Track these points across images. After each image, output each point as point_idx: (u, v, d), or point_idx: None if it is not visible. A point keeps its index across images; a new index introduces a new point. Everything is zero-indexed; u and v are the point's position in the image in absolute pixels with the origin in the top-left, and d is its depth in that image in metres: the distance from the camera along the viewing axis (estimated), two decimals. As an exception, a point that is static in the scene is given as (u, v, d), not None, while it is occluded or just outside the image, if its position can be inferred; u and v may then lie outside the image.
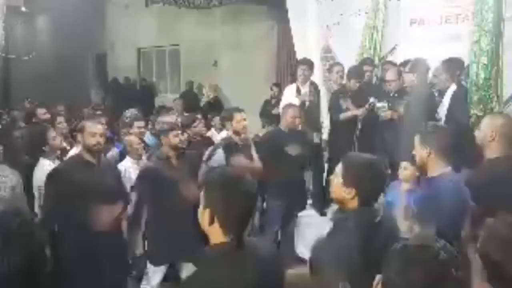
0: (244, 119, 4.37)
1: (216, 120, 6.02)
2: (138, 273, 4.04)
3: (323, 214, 5.31)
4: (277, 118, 5.76)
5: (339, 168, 2.18)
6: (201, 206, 1.76)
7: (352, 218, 2.08)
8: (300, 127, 4.99)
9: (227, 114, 4.63)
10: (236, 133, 4.36)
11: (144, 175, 3.73)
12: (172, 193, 3.51)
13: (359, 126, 5.29)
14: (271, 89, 8.28)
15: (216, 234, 1.71)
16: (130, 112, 5.94)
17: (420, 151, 2.70)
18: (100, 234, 3.23)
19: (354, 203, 2.11)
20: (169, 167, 3.70)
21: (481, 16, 4.90)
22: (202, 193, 1.76)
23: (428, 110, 4.48)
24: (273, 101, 7.96)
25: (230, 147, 4.24)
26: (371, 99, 5.11)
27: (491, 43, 4.85)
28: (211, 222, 1.70)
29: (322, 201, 5.36)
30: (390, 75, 5.05)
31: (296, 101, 5.37)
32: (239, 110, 4.48)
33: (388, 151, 4.35)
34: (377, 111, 5.01)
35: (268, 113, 7.81)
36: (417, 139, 2.75)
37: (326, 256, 1.99)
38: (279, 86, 8.26)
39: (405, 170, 3.68)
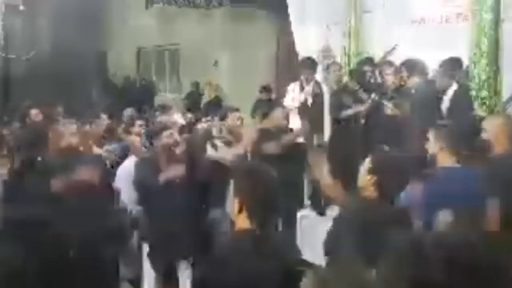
0: (239, 118, 4.34)
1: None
2: (136, 274, 4.03)
3: (322, 214, 5.29)
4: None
5: (367, 160, 2.32)
6: (231, 195, 1.88)
7: (371, 208, 2.18)
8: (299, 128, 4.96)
9: (223, 113, 4.62)
10: (230, 132, 4.31)
11: (136, 176, 3.68)
12: (166, 194, 3.48)
13: (363, 122, 5.30)
14: (260, 92, 8.33)
15: (243, 222, 1.81)
16: (129, 112, 5.94)
17: (433, 146, 2.87)
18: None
19: (374, 194, 2.21)
20: (161, 167, 3.63)
21: (480, 17, 4.91)
22: (232, 183, 1.90)
23: (432, 108, 4.47)
24: (263, 102, 7.98)
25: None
26: (373, 95, 5.12)
27: (490, 44, 4.85)
28: (240, 210, 1.80)
29: (320, 202, 5.34)
30: (387, 70, 5.12)
31: (299, 100, 5.36)
32: (234, 109, 4.47)
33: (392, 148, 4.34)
34: (381, 107, 5.02)
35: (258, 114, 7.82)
36: (431, 134, 2.91)
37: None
38: (266, 88, 8.35)
39: None
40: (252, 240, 1.77)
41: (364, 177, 2.27)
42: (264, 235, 1.80)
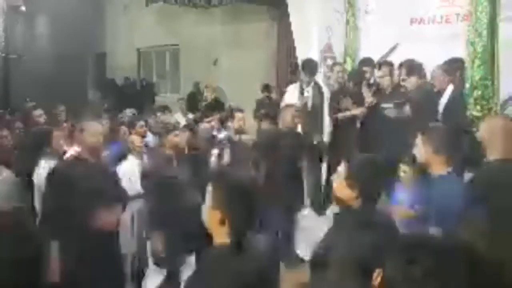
0: (243, 118, 4.40)
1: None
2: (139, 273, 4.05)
3: (321, 214, 5.31)
4: (271, 118, 5.74)
5: (341, 168, 2.20)
6: (208, 206, 1.77)
7: (355, 216, 2.11)
8: (299, 127, 4.99)
9: (228, 113, 4.69)
10: (236, 131, 4.43)
11: (146, 176, 3.72)
12: (173, 194, 3.51)
13: (358, 125, 5.30)
14: (262, 92, 8.34)
15: (221, 234, 1.73)
16: (130, 112, 5.95)
17: (423, 150, 2.75)
18: (99, 234, 3.22)
19: (357, 202, 2.13)
20: (170, 167, 3.69)
21: (476, 17, 4.92)
22: (211, 194, 1.77)
23: (431, 110, 4.48)
24: (265, 101, 8.00)
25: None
26: (370, 99, 5.13)
27: (486, 44, 4.87)
28: (222, 223, 1.71)
29: (321, 202, 5.36)
30: (381, 71, 5.10)
31: (298, 101, 5.37)
32: (239, 109, 4.55)
33: (389, 150, 4.35)
34: (382, 111, 5.02)
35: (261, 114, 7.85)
36: (419, 138, 2.79)
37: (329, 254, 2.01)
38: (268, 87, 8.36)
39: (404, 173, 3.67)
40: (231, 254, 1.71)
41: (343, 187, 2.16)
42: (241, 247, 1.72)
